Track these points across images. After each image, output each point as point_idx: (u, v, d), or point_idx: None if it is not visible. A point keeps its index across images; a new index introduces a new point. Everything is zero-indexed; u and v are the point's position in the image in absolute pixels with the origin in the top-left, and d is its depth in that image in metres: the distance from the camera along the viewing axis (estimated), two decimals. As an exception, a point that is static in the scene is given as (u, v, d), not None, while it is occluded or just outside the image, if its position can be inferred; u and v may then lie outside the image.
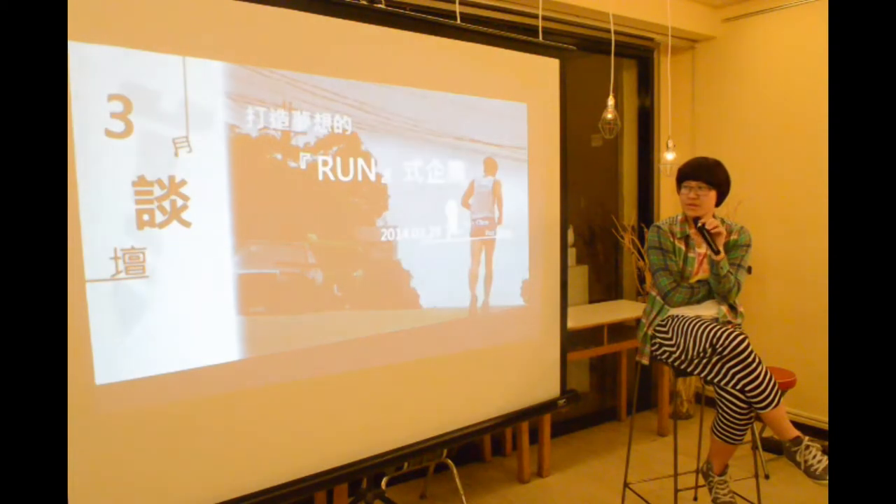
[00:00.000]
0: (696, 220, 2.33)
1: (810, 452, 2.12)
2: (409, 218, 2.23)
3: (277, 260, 1.93)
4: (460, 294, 2.40)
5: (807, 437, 2.17)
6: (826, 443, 3.19)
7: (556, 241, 2.70)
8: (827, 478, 2.05)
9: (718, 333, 2.20)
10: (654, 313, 2.44)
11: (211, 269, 1.80)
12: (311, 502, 2.62)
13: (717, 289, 2.36)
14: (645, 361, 2.51)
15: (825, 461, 2.08)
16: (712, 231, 2.27)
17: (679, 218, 2.44)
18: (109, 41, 1.59)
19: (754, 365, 2.16)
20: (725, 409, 2.28)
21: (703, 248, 2.38)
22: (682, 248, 2.39)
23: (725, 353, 2.19)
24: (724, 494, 2.44)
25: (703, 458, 2.75)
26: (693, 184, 2.33)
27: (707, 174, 2.33)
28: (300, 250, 1.98)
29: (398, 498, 2.94)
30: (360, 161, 2.08)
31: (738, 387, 2.20)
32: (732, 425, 2.30)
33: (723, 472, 2.45)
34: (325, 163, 2.00)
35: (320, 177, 2.00)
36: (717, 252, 2.28)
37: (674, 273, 2.39)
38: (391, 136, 2.15)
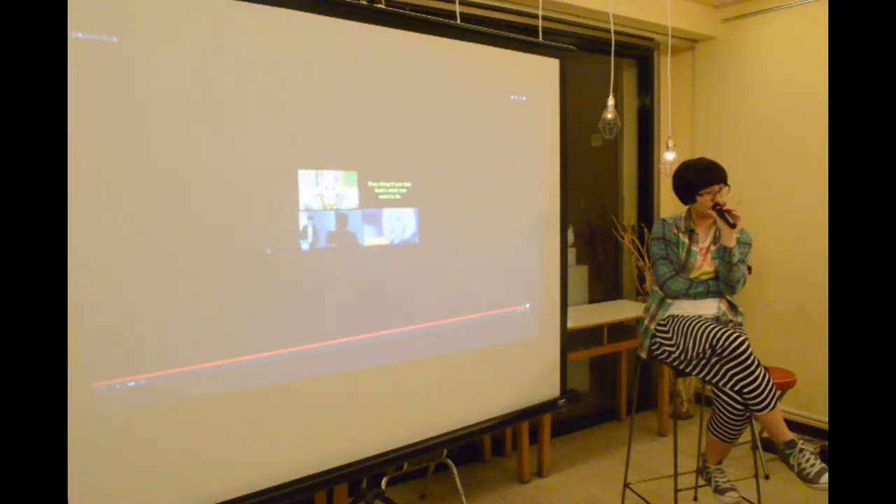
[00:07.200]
0: (715, 205, 2.35)
1: (804, 456, 2.12)
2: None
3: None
4: (461, 294, 2.40)
5: (801, 441, 2.17)
6: (824, 443, 3.19)
7: (556, 241, 2.70)
8: (820, 481, 2.04)
9: (718, 334, 2.20)
10: (654, 306, 2.45)
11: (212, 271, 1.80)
12: (311, 502, 2.62)
13: (726, 278, 2.36)
14: (643, 355, 2.52)
15: (818, 465, 2.08)
16: (731, 212, 2.32)
17: (684, 214, 2.49)
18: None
19: (753, 367, 2.16)
20: (722, 409, 2.30)
21: (707, 243, 2.43)
22: (686, 241, 2.42)
23: (725, 354, 2.19)
24: (724, 482, 2.46)
25: (703, 458, 2.76)
26: (715, 188, 2.35)
27: (723, 174, 2.37)
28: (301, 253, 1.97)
29: (398, 498, 2.94)
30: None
31: (735, 388, 2.20)
32: (728, 425, 2.33)
33: (719, 463, 2.49)
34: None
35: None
36: (732, 226, 2.29)
37: (674, 264, 2.42)
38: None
